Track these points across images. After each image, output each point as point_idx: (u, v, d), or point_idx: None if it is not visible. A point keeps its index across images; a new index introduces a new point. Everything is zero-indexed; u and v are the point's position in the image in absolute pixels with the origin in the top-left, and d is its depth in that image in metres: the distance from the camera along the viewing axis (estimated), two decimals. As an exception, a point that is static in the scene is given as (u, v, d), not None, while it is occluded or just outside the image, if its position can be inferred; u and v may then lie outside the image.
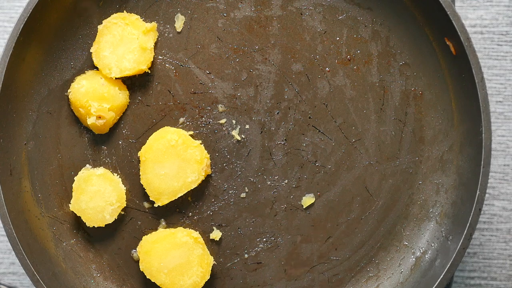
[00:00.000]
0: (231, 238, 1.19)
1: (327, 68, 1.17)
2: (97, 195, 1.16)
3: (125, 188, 1.17)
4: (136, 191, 1.19)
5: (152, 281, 1.16)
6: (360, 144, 1.18)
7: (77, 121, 1.19)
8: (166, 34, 1.18)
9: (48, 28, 1.16)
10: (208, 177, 1.18)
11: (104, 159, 1.19)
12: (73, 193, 1.17)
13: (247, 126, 1.18)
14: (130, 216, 1.19)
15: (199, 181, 1.16)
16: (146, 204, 1.19)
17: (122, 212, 1.18)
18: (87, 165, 1.19)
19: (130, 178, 1.19)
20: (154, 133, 1.17)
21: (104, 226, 1.16)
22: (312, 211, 1.19)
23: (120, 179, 1.18)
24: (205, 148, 1.17)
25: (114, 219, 1.16)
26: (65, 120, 1.19)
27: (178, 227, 1.18)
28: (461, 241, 1.10)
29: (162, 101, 1.18)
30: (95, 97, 1.15)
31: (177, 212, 1.19)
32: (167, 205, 1.18)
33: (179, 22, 1.18)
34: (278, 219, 1.18)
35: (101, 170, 1.17)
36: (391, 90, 1.17)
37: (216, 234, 1.18)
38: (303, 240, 1.19)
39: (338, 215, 1.18)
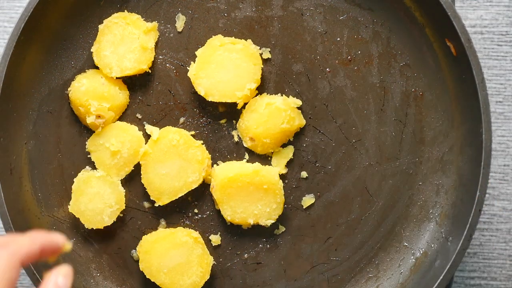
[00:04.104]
0: (231, 238, 1.19)
1: (327, 69, 1.17)
2: (96, 197, 1.16)
3: (124, 190, 1.17)
4: (136, 190, 1.19)
5: (152, 280, 1.16)
6: (360, 144, 1.18)
7: (77, 121, 1.19)
8: (167, 34, 1.18)
9: (49, 27, 1.16)
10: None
11: (104, 158, 1.19)
12: (72, 195, 1.17)
13: (247, 126, 1.18)
14: (130, 215, 1.19)
15: (200, 181, 1.16)
16: (146, 204, 1.19)
17: (121, 215, 1.18)
18: (87, 166, 1.19)
19: (130, 178, 1.19)
20: (154, 133, 1.17)
21: (102, 228, 1.17)
22: (312, 212, 1.19)
23: (119, 181, 1.18)
24: (205, 147, 1.17)
25: (112, 221, 1.17)
26: (65, 120, 1.19)
27: (178, 227, 1.18)
28: (461, 242, 1.10)
29: (163, 101, 1.18)
30: (95, 96, 1.15)
31: (177, 212, 1.19)
32: (167, 205, 1.18)
33: (180, 22, 1.18)
34: (278, 219, 1.17)
35: (100, 172, 1.17)
36: (391, 90, 1.17)
37: (216, 239, 1.18)
38: (303, 240, 1.19)
39: (338, 215, 1.18)
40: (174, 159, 1.15)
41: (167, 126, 1.17)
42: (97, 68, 1.17)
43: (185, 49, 1.18)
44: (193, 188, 1.16)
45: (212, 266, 1.17)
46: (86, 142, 1.18)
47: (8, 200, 1.12)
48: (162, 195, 1.16)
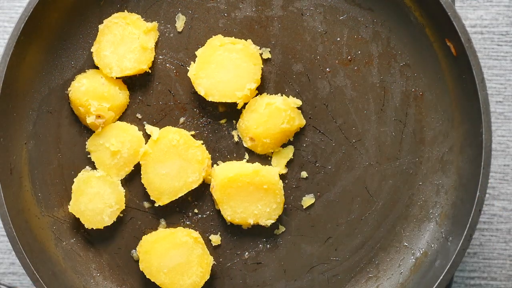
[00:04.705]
0: (231, 238, 1.19)
1: (327, 69, 1.17)
2: (96, 197, 1.16)
3: (124, 190, 1.17)
4: (136, 190, 1.19)
5: (152, 280, 1.16)
6: (360, 144, 1.18)
7: (77, 121, 1.19)
8: (166, 34, 1.18)
9: (49, 27, 1.16)
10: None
11: (104, 158, 1.20)
12: (72, 195, 1.17)
13: (247, 126, 1.18)
14: (130, 215, 1.19)
15: (200, 181, 1.16)
16: (146, 204, 1.19)
17: (121, 215, 1.18)
18: (87, 166, 1.19)
19: (130, 178, 1.19)
20: (154, 133, 1.17)
21: (102, 228, 1.17)
22: (312, 211, 1.19)
23: (119, 181, 1.17)
24: (205, 147, 1.18)
25: (112, 221, 1.17)
26: (65, 120, 1.19)
27: (178, 227, 1.18)
28: (461, 242, 1.10)
29: (163, 101, 1.18)
30: (95, 96, 1.15)
31: (177, 212, 1.19)
32: (167, 205, 1.18)
33: (180, 22, 1.18)
34: (278, 219, 1.17)
35: (100, 172, 1.17)
36: (391, 90, 1.17)
37: (216, 239, 1.18)
38: (303, 240, 1.19)
39: (338, 215, 1.18)
40: (174, 159, 1.15)
41: (167, 126, 1.18)
42: (97, 68, 1.17)
43: (185, 49, 1.18)
44: (193, 188, 1.16)
45: (212, 266, 1.17)
46: (86, 142, 1.18)
47: (8, 200, 1.12)
48: (162, 195, 1.16)
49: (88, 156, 1.19)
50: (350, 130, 1.18)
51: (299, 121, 1.17)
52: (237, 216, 1.16)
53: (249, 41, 1.16)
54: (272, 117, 1.15)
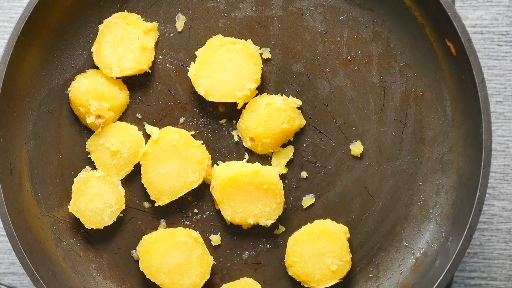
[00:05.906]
0: (231, 238, 1.19)
1: (327, 69, 1.17)
2: (96, 197, 1.16)
3: (124, 190, 1.17)
4: (136, 190, 1.19)
5: (152, 280, 1.16)
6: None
7: (77, 121, 1.19)
8: (166, 34, 1.18)
9: (49, 27, 1.16)
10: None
11: (104, 158, 1.19)
12: (72, 195, 1.17)
13: (247, 126, 1.18)
14: (130, 215, 1.19)
15: (200, 181, 1.16)
16: (146, 204, 1.19)
17: (121, 215, 1.18)
18: (87, 166, 1.19)
19: (130, 178, 1.19)
20: (154, 133, 1.17)
21: (102, 228, 1.17)
22: (312, 212, 1.19)
23: (119, 181, 1.17)
24: (205, 147, 1.17)
25: (112, 221, 1.17)
26: (65, 120, 1.19)
27: (178, 227, 1.18)
28: (461, 242, 1.10)
29: (163, 101, 1.18)
30: (95, 96, 1.15)
31: (177, 212, 1.19)
32: (167, 205, 1.18)
33: (180, 22, 1.18)
34: (278, 219, 1.17)
35: (100, 172, 1.17)
36: (391, 90, 1.17)
37: (216, 239, 1.18)
38: (303, 240, 1.19)
39: (338, 215, 1.18)
40: (174, 159, 1.15)
41: (167, 126, 1.18)
42: (97, 68, 1.17)
43: (185, 49, 1.18)
44: (193, 188, 1.16)
45: (212, 266, 1.17)
46: (86, 142, 1.18)
47: (8, 200, 1.12)
48: (162, 195, 1.16)
49: (88, 156, 1.19)
50: (350, 130, 1.18)
51: (299, 121, 1.17)
52: (237, 216, 1.16)
53: (249, 41, 1.16)
54: (272, 117, 1.15)
